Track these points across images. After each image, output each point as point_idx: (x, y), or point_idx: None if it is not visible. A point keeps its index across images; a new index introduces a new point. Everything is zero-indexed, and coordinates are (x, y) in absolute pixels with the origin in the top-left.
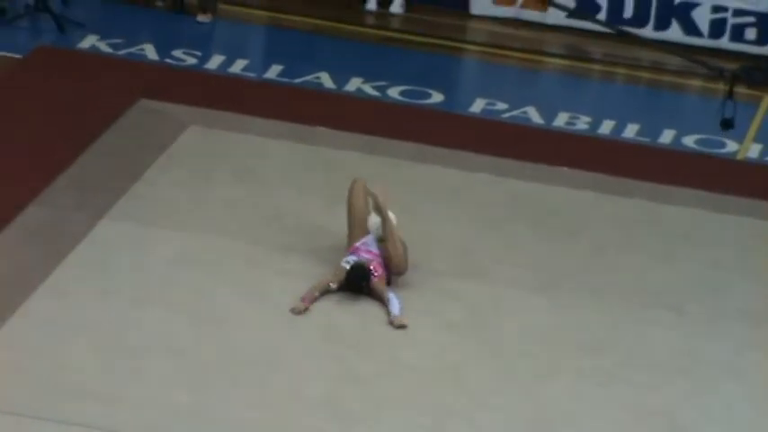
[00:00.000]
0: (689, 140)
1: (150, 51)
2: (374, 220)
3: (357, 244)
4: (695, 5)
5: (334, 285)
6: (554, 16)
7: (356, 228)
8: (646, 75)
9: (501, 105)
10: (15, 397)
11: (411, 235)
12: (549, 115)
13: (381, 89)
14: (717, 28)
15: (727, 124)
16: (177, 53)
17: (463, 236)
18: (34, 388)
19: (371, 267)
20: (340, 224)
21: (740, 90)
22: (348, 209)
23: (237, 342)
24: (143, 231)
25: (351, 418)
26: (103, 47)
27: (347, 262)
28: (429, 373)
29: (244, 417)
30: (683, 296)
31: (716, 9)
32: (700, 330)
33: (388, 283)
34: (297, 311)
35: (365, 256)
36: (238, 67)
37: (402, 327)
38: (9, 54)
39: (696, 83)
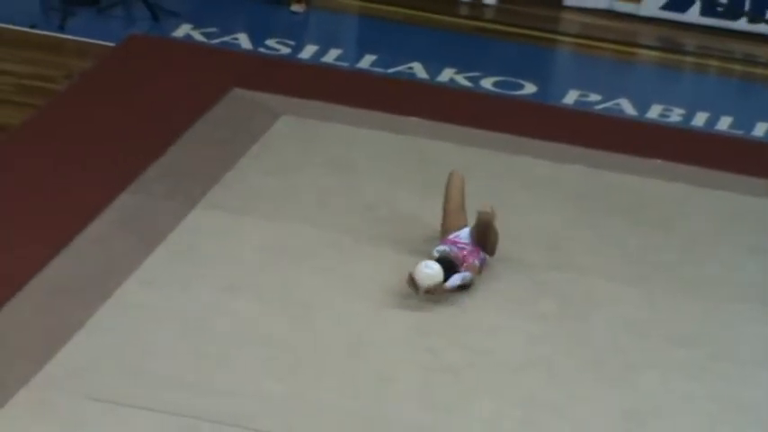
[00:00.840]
0: None
1: (244, 41)
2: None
3: (450, 237)
4: None
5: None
6: (647, 8)
7: (451, 219)
8: (739, 67)
9: (594, 97)
10: (106, 384)
11: (504, 226)
12: (643, 107)
13: (474, 80)
14: None
15: None
16: (271, 43)
17: (555, 227)
18: (125, 375)
19: (461, 256)
20: (433, 215)
21: None
22: (445, 199)
23: (327, 331)
24: (234, 220)
25: (442, 408)
26: (197, 36)
27: (437, 251)
28: (519, 365)
29: (335, 405)
30: None
31: None
32: None
33: (480, 271)
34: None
35: (456, 247)
36: (331, 56)
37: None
38: (103, 42)
39: None
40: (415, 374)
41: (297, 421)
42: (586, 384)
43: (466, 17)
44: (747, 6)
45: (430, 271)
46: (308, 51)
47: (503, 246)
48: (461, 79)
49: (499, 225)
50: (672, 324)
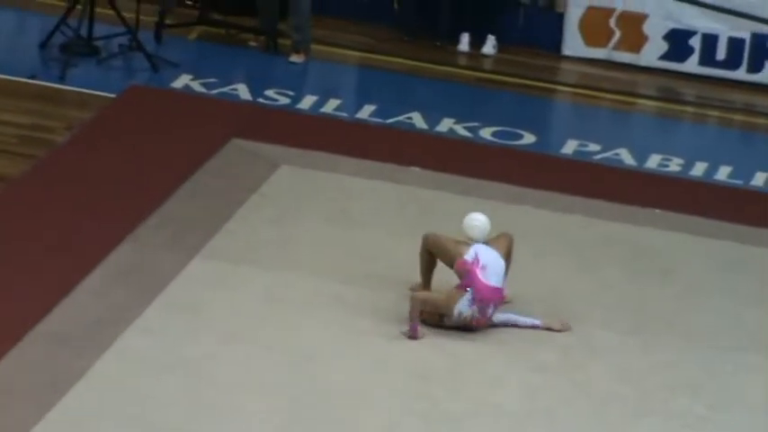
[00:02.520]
0: None
1: (243, 91)
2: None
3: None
4: None
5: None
6: (646, 58)
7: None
8: (738, 117)
9: (593, 147)
10: None
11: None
12: (642, 157)
13: (473, 130)
14: None
15: None
16: (270, 93)
17: (554, 277)
18: (126, 425)
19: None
20: None
21: None
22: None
23: (328, 380)
24: (234, 270)
25: None
26: (197, 86)
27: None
28: (520, 415)
29: None
30: None
31: None
32: None
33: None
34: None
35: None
36: (331, 107)
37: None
38: (103, 93)
39: None
40: (417, 424)
41: None
42: None
43: (465, 67)
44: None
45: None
46: (307, 102)
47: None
48: (460, 129)
49: None
50: (671, 373)
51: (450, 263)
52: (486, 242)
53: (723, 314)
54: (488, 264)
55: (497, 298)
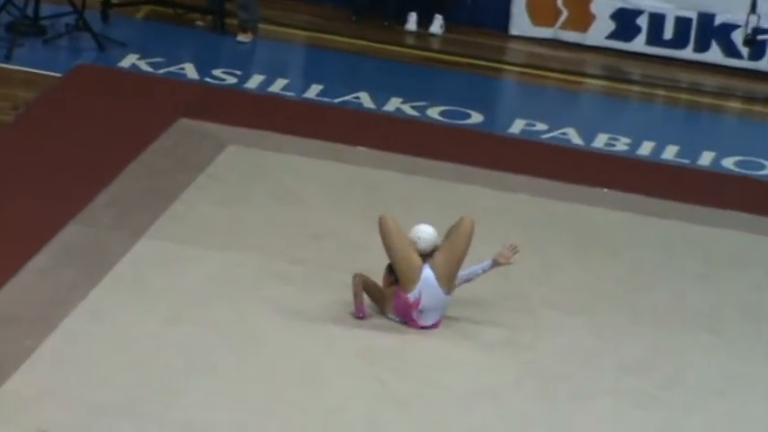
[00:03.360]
0: (728, 162)
1: (190, 71)
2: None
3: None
4: (735, 27)
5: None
6: (593, 37)
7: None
8: (685, 96)
9: (540, 126)
10: (54, 416)
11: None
12: (589, 136)
13: (421, 109)
14: (756, 50)
15: (749, 42)
16: (217, 73)
17: None
18: (72, 406)
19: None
20: (379, 243)
21: None
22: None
23: (275, 362)
24: (181, 250)
25: None
26: (144, 66)
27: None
28: (467, 396)
29: None
30: (722, 318)
31: (756, 31)
32: (739, 353)
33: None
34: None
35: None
36: (278, 86)
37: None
38: (49, 73)
39: (735, 105)
40: (364, 406)
41: None
42: (535, 414)
43: (412, 47)
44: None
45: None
46: (254, 81)
47: None
48: (408, 109)
49: None
50: (620, 353)
51: (397, 275)
52: (436, 248)
53: (670, 294)
54: (427, 308)
55: (427, 328)
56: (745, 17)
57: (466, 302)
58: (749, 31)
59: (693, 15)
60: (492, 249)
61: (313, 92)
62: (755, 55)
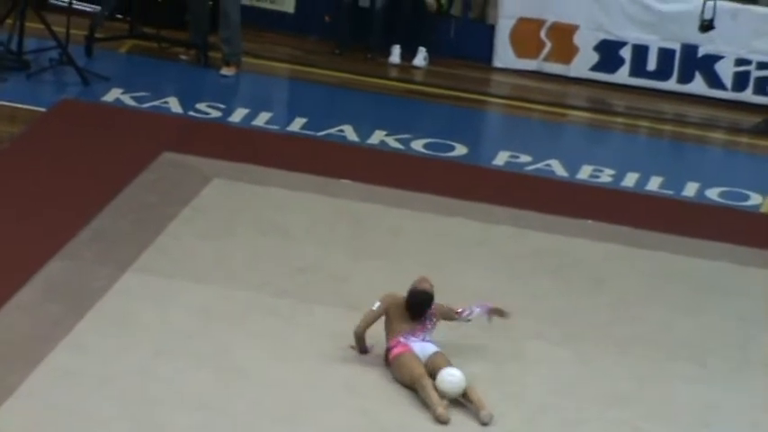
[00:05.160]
0: (712, 193)
1: (174, 105)
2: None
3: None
4: (719, 58)
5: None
6: (577, 69)
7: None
8: (669, 128)
9: (524, 158)
10: None
11: (435, 287)
12: (573, 168)
13: (405, 142)
14: (740, 81)
15: (706, 27)
16: (201, 106)
17: (486, 288)
18: None
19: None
20: (364, 276)
21: (764, 143)
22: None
23: (262, 395)
24: (166, 284)
25: None
26: (128, 100)
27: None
28: (454, 427)
29: None
30: (707, 349)
31: (739, 62)
32: (724, 383)
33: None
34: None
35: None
36: (262, 120)
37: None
38: (33, 107)
39: (719, 136)
40: None
41: None
42: None
43: (396, 79)
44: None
45: (454, 379)
46: (238, 115)
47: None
48: (392, 141)
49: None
50: (604, 384)
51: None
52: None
53: (655, 324)
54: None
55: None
56: (729, 48)
57: (449, 333)
58: (705, 18)
59: (677, 47)
60: (476, 281)
61: (297, 125)
62: (739, 87)
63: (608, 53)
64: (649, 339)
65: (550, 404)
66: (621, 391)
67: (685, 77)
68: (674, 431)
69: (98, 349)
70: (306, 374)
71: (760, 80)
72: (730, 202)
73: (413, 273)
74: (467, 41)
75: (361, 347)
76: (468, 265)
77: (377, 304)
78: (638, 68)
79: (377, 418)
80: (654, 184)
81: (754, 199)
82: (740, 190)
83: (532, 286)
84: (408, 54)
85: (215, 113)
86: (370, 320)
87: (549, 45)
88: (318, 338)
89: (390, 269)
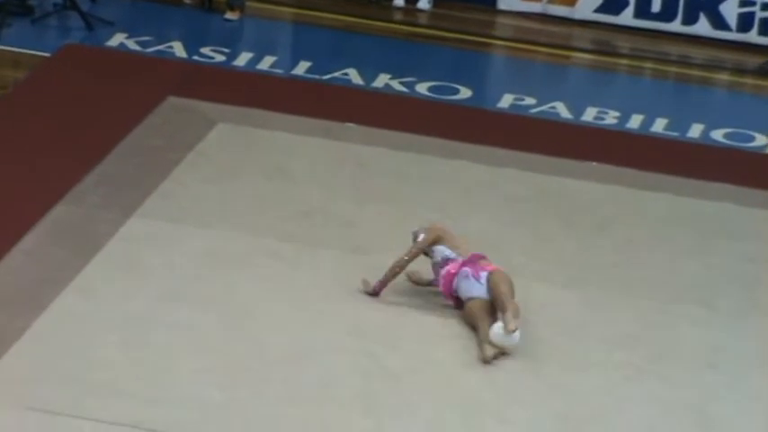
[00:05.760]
0: (717, 134)
1: (178, 49)
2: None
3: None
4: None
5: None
6: (581, 11)
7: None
8: (674, 69)
9: (529, 101)
10: (45, 394)
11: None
12: (578, 110)
13: (409, 85)
14: (745, 22)
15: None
16: (205, 51)
17: (492, 231)
18: (64, 385)
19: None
20: (369, 220)
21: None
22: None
23: (267, 338)
24: (172, 229)
25: (383, 414)
26: (132, 45)
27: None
28: (459, 369)
29: (276, 413)
30: (713, 290)
31: (744, 3)
32: (730, 325)
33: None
34: (369, 291)
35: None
36: (266, 64)
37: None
38: (37, 52)
39: (724, 77)
40: (356, 380)
41: (238, 429)
42: (525, 387)
43: (400, 22)
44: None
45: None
46: (242, 59)
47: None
48: (396, 84)
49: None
50: (610, 326)
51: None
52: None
53: (660, 267)
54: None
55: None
56: None
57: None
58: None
59: None
60: (482, 224)
61: (301, 69)
62: (744, 28)
63: None
64: (655, 282)
65: (556, 346)
66: (627, 333)
67: (690, 19)
68: (679, 373)
69: (104, 293)
70: (311, 317)
71: (765, 21)
72: (735, 143)
73: (418, 216)
74: None
75: (376, 288)
76: (472, 207)
77: (421, 236)
78: (643, 10)
79: (382, 361)
80: (659, 126)
81: (759, 140)
82: (745, 131)
83: (537, 229)
84: None
85: (219, 58)
86: (413, 254)
87: None
88: (324, 282)
89: (395, 212)
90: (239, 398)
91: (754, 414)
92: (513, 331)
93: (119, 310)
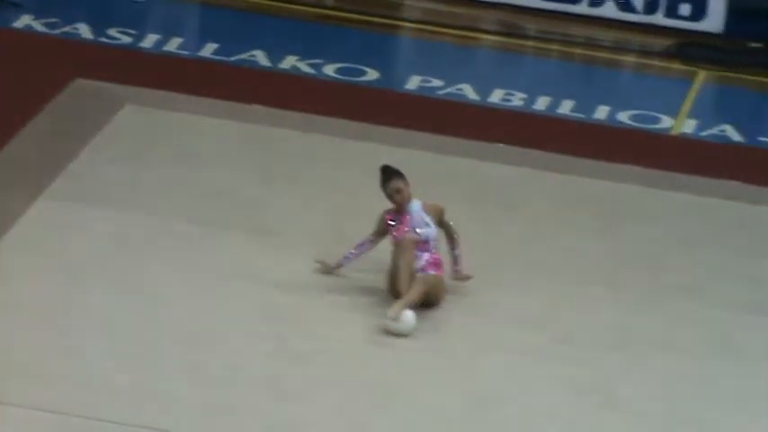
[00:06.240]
0: (623, 116)
1: (85, 30)
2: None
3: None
4: None
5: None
6: None
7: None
8: (580, 51)
9: (436, 82)
10: None
11: (346, 214)
12: (485, 92)
13: (317, 67)
14: (651, 4)
15: None
16: (112, 32)
17: None
18: None
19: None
20: (276, 201)
21: (675, 66)
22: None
23: (175, 320)
24: (79, 211)
25: (290, 396)
26: (38, 26)
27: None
28: (368, 351)
29: (184, 395)
30: (618, 272)
31: None
32: (636, 306)
33: None
34: (323, 270)
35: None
36: (173, 45)
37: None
38: None
39: (630, 59)
40: (263, 363)
41: (146, 411)
42: (433, 368)
43: (308, 4)
44: None
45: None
46: (149, 41)
47: (342, 234)
48: (304, 66)
49: (342, 213)
50: (516, 308)
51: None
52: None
53: (567, 248)
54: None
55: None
56: None
57: (360, 259)
58: None
59: None
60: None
61: (208, 50)
62: (650, 10)
63: None
64: (561, 263)
65: (463, 328)
66: (533, 315)
67: (596, 1)
68: (587, 354)
69: (10, 276)
70: (219, 300)
71: (671, 3)
72: (641, 125)
73: (325, 198)
74: None
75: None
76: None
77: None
78: None
79: (289, 343)
80: (565, 108)
81: (665, 122)
82: (651, 113)
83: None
84: None
85: (126, 39)
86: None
87: None
88: (232, 264)
89: (302, 194)
90: (147, 380)
91: (660, 395)
92: (394, 318)
93: (25, 292)
